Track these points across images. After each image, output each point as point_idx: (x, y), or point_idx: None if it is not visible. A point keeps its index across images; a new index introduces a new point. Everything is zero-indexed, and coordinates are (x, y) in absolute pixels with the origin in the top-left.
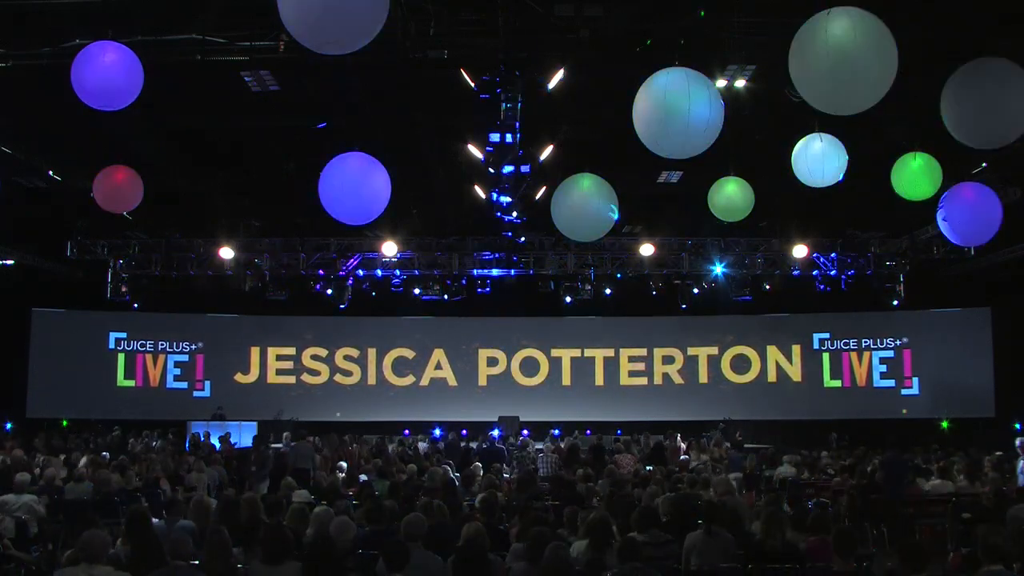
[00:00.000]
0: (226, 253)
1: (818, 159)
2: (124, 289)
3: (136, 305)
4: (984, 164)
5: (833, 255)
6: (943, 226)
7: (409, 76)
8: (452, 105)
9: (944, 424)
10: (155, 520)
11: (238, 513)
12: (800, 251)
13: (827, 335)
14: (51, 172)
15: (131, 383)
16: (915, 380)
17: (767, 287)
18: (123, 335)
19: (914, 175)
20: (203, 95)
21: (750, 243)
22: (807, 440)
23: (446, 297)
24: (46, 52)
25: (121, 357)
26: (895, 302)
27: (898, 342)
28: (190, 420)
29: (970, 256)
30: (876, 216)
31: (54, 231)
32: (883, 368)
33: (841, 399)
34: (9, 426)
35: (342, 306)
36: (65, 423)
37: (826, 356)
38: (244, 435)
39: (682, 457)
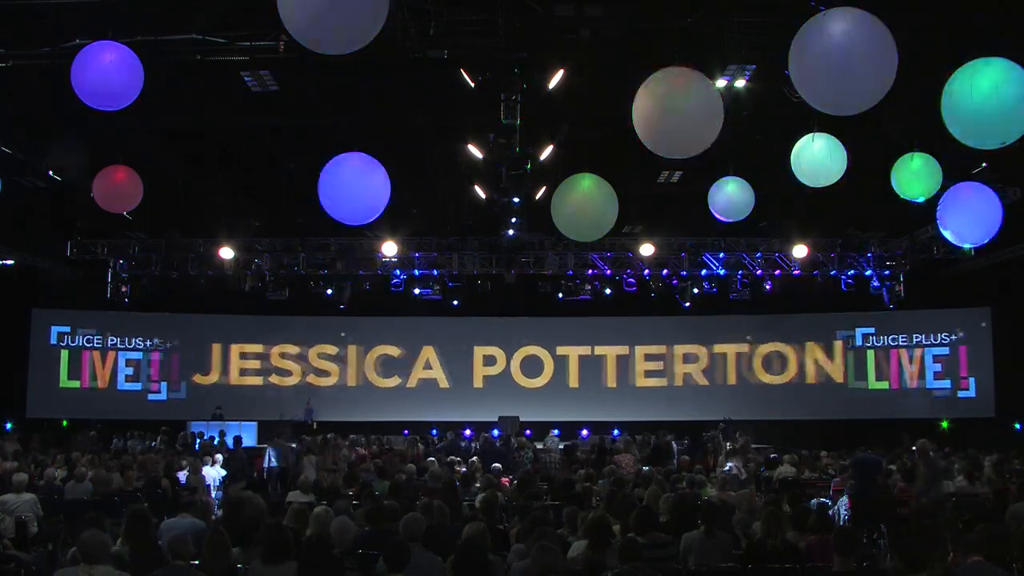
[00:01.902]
0: (226, 253)
1: (817, 159)
2: (124, 289)
3: (127, 301)
4: (984, 164)
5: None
6: (946, 233)
7: (409, 76)
8: (452, 105)
9: (944, 424)
10: (173, 519)
11: (238, 513)
12: (800, 251)
13: (826, 335)
14: (51, 172)
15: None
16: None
17: (767, 287)
18: (121, 334)
19: (914, 175)
20: (203, 95)
21: (750, 243)
22: (807, 440)
23: (456, 302)
24: (46, 52)
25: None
26: (895, 302)
27: (897, 342)
28: (190, 420)
29: (970, 256)
30: (876, 216)
31: (54, 231)
32: (915, 368)
33: (842, 398)
34: (9, 426)
35: (342, 306)
36: (65, 423)
37: (824, 355)
38: (245, 435)
39: (727, 467)
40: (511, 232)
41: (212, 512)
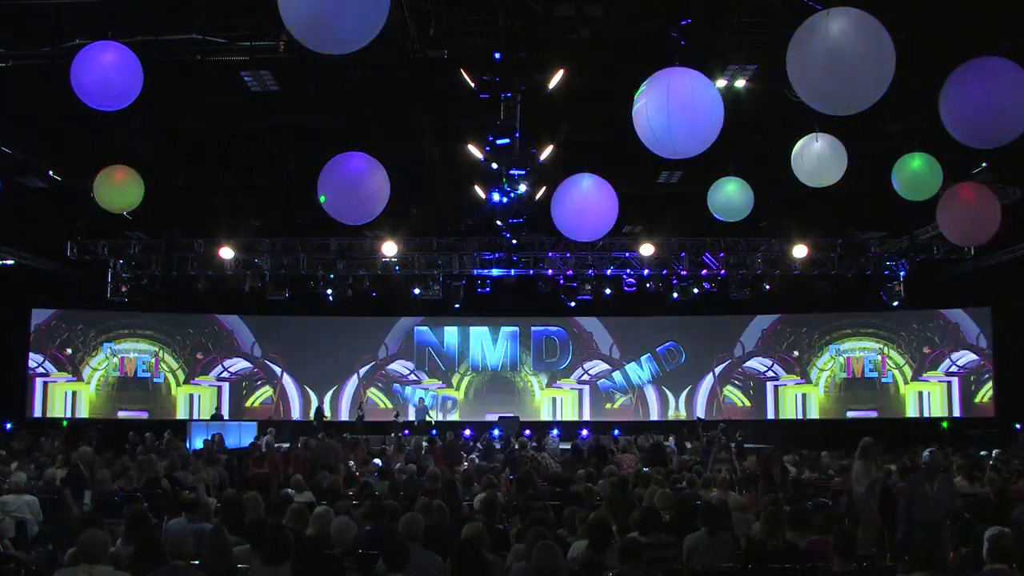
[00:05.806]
0: (226, 253)
1: (818, 159)
2: (124, 289)
3: (127, 301)
4: (984, 164)
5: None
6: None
7: (409, 76)
8: (452, 105)
9: (944, 424)
10: (175, 520)
11: (239, 513)
12: (800, 251)
13: (825, 335)
14: (51, 172)
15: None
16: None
17: (767, 287)
18: (122, 335)
19: (914, 175)
20: (203, 95)
21: (750, 243)
22: (807, 440)
23: (457, 306)
24: (46, 52)
25: (118, 357)
26: (895, 302)
27: (894, 340)
28: (190, 420)
29: (970, 256)
30: (876, 216)
31: (54, 231)
32: (915, 368)
33: (847, 397)
34: (9, 426)
35: (331, 300)
36: (65, 423)
37: (827, 356)
38: (244, 435)
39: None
40: (506, 231)
41: (209, 513)
